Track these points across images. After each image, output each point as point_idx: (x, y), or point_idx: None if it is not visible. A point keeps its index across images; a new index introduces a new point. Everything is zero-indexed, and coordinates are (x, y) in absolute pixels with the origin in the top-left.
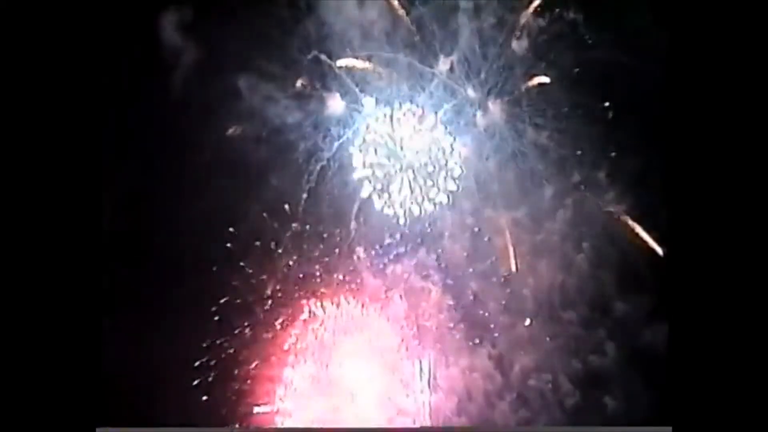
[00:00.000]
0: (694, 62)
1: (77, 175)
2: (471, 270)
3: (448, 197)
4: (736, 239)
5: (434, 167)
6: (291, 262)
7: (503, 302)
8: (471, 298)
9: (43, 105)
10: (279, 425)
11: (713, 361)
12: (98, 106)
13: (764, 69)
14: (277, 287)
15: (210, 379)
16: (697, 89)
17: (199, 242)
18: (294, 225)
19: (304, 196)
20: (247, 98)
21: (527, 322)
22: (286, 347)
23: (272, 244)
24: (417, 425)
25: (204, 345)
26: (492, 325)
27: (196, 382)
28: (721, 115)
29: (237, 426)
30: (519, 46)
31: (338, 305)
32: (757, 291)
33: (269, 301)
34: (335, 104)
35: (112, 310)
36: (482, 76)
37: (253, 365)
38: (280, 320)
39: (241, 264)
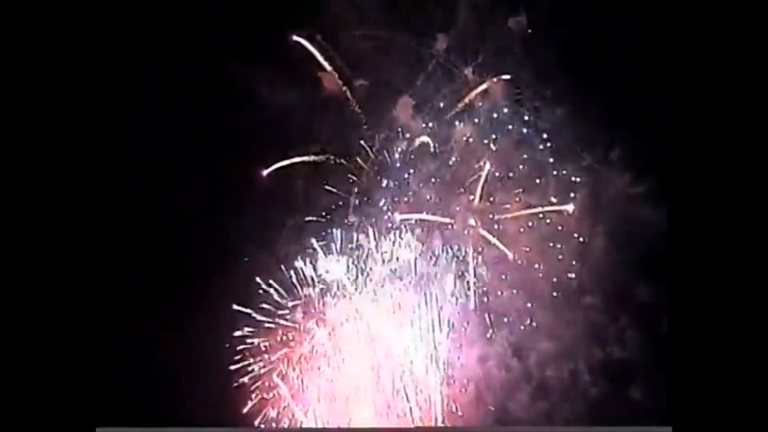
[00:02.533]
0: (700, 42)
1: (75, 172)
2: (483, 256)
3: (453, 182)
4: (740, 241)
5: (435, 151)
6: (292, 255)
7: (518, 289)
8: (485, 285)
9: (32, 96)
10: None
11: (714, 362)
12: (92, 100)
13: None
14: (279, 281)
15: (211, 378)
16: (702, 68)
17: (198, 238)
18: (295, 215)
19: (301, 182)
20: (240, 81)
21: (527, 321)
22: (289, 344)
23: (272, 237)
24: (429, 418)
25: (205, 344)
26: (507, 313)
27: (196, 382)
28: (727, 99)
29: (237, 426)
30: (516, 23)
31: (344, 296)
32: (758, 290)
33: (271, 297)
34: (331, 85)
35: (112, 310)
36: (480, 57)
37: (255, 363)
38: (282, 315)
39: (242, 259)
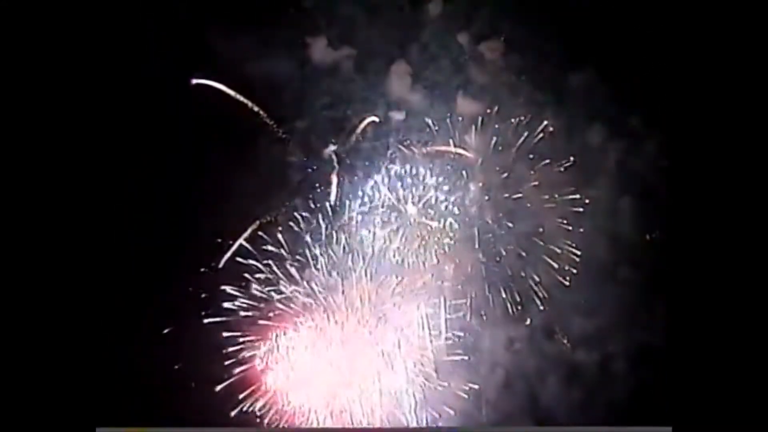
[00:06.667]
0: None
1: (68, 168)
2: (509, 230)
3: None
4: (741, 244)
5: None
6: (291, 244)
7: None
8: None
9: (30, 96)
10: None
11: (713, 361)
12: (86, 100)
13: None
14: (278, 272)
15: (211, 378)
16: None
17: (196, 232)
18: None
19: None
20: (222, 50)
21: (527, 321)
22: (291, 340)
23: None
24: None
25: (204, 344)
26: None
27: (196, 382)
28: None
29: (237, 426)
30: None
31: (348, 280)
32: (757, 290)
33: (271, 292)
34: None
35: (112, 310)
36: (476, 22)
37: (255, 363)
38: (283, 310)
39: (242, 254)
